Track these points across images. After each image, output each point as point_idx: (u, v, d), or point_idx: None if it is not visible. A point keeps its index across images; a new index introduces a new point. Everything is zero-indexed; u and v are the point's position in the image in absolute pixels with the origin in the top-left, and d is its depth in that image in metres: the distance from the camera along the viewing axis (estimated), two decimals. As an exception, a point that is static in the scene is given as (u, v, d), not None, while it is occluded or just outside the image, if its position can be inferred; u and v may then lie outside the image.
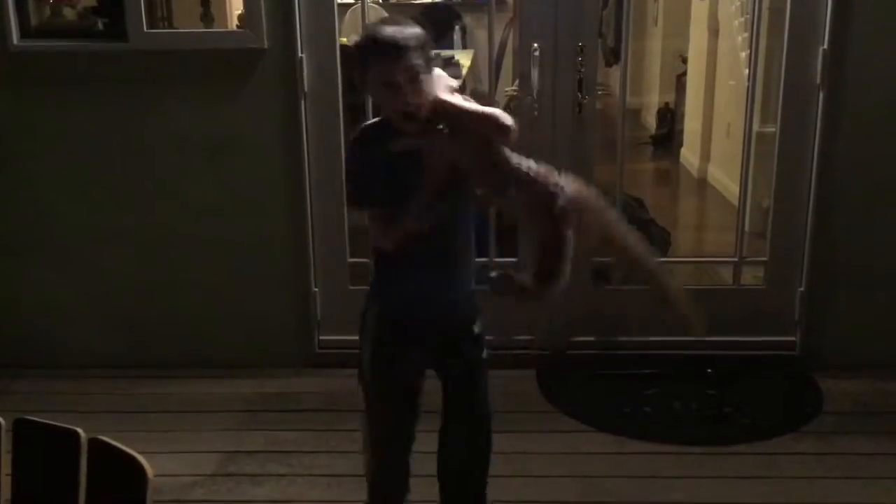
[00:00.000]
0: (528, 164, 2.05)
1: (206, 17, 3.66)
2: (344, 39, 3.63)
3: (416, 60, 2.03)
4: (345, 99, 3.41)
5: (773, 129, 3.48)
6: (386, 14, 6.66)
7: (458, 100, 2.08)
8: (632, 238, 2.27)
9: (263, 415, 3.27)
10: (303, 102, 3.34)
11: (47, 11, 3.50)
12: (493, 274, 2.13)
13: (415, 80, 2.03)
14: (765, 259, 3.57)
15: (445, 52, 5.67)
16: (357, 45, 2.16)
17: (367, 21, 3.58)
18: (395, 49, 2.03)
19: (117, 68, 3.34)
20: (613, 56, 5.71)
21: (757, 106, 3.73)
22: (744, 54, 4.77)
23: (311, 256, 3.48)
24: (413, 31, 2.09)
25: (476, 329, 2.31)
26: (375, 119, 2.23)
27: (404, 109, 2.04)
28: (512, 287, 2.08)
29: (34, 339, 3.57)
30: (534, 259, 2.08)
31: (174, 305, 3.55)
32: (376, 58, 2.06)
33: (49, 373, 3.50)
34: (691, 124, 6.16)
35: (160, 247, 3.49)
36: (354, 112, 3.68)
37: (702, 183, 5.79)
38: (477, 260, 2.33)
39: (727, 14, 5.55)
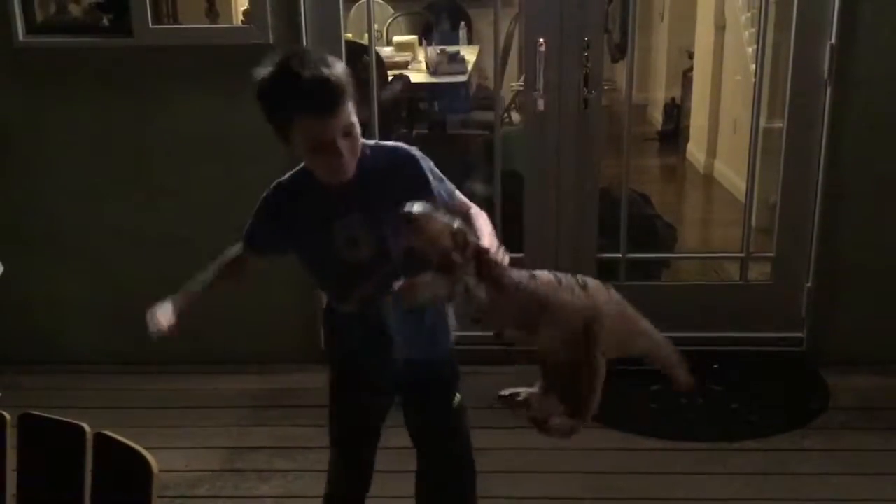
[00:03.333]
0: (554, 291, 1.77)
1: (212, 13, 3.67)
2: (349, 35, 3.62)
3: (352, 112, 1.72)
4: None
5: (780, 125, 3.47)
6: (391, 11, 6.67)
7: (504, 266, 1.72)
8: (655, 337, 2.01)
9: (269, 411, 3.27)
10: (308, 98, 3.33)
11: (52, 7, 3.51)
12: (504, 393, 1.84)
13: (350, 135, 1.74)
14: (772, 255, 3.56)
15: (451, 48, 5.67)
16: (270, 88, 1.74)
17: (373, 17, 3.58)
18: (326, 97, 1.67)
19: (122, 64, 3.34)
20: (619, 51, 5.70)
21: (764, 101, 3.72)
22: (750, 49, 4.75)
23: (317, 252, 3.47)
24: (339, 66, 1.73)
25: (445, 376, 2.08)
26: (293, 172, 1.93)
27: (340, 179, 1.77)
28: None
29: (40, 334, 3.58)
30: (560, 390, 1.83)
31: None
32: (300, 114, 1.70)
33: (54, 368, 3.51)
34: (698, 120, 6.15)
35: (165, 242, 3.49)
36: (359, 107, 3.68)
37: (708, 178, 5.78)
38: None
39: (734, 9, 5.54)
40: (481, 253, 1.64)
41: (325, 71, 1.70)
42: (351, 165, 1.79)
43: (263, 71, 1.78)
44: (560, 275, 1.79)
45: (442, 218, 1.63)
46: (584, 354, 1.76)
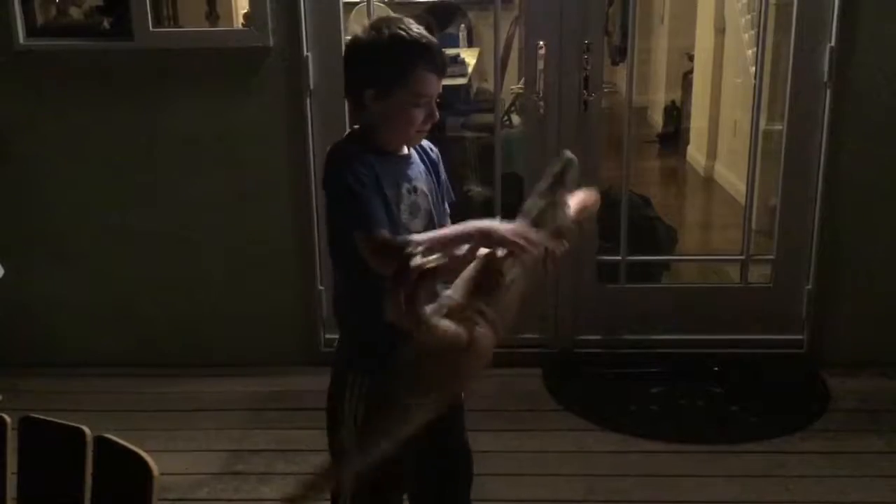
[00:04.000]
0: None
1: (212, 16, 3.67)
2: (350, 38, 3.63)
3: None
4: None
5: (780, 127, 3.47)
6: (392, 13, 6.66)
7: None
8: None
9: (269, 413, 3.27)
10: (308, 101, 3.34)
11: (53, 10, 3.51)
12: None
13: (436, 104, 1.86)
14: (772, 257, 3.56)
15: (451, 51, 5.67)
16: (395, 39, 1.81)
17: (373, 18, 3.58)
18: (444, 57, 1.83)
19: (123, 67, 3.35)
20: (619, 54, 5.71)
21: (764, 104, 3.72)
22: (750, 52, 4.75)
23: (317, 254, 3.48)
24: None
25: None
26: (349, 140, 1.91)
27: (414, 142, 1.88)
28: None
29: (40, 337, 3.58)
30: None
31: (180, 304, 3.55)
32: (422, 67, 1.80)
33: (55, 371, 3.50)
34: (698, 122, 6.15)
35: (165, 245, 3.50)
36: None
37: (708, 181, 5.78)
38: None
39: (733, 12, 5.54)
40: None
41: (430, 37, 1.85)
42: (425, 133, 1.90)
43: (365, 30, 1.86)
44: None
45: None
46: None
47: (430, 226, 1.90)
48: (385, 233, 1.77)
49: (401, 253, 1.58)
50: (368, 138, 1.88)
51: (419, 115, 1.83)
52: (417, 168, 1.93)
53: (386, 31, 1.83)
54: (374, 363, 1.79)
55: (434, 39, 1.85)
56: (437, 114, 1.86)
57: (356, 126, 1.95)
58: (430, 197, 1.93)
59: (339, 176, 1.81)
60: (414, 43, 1.81)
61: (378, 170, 1.83)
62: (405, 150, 1.93)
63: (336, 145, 1.91)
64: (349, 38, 1.93)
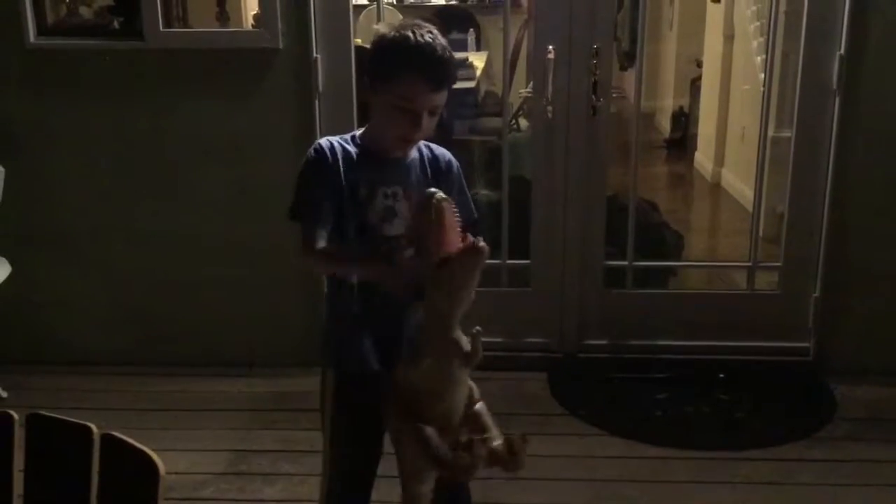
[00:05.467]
0: None
1: (222, 17, 3.67)
2: (359, 41, 3.63)
3: (444, 98, 1.81)
4: (359, 99, 3.41)
5: (788, 134, 3.46)
6: (401, 17, 6.68)
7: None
8: None
9: (275, 414, 3.27)
10: (317, 102, 3.35)
11: (63, 10, 3.52)
12: None
13: (433, 115, 1.83)
14: (779, 264, 3.55)
15: (459, 55, 5.67)
16: (398, 39, 1.80)
17: (382, 21, 3.58)
18: (444, 72, 1.79)
19: (132, 67, 3.35)
20: (628, 59, 5.70)
21: (772, 111, 3.71)
22: (759, 59, 4.75)
23: (324, 256, 3.48)
24: (452, 53, 1.84)
25: None
26: (342, 137, 1.92)
27: (401, 149, 1.86)
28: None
29: (47, 335, 3.59)
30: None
31: (187, 303, 3.56)
32: (413, 74, 1.77)
33: (62, 369, 3.51)
34: (705, 128, 6.14)
35: (173, 245, 3.50)
36: (367, 112, 3.68)
37: (715, 187, 5.77)
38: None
39: (742, 18, 5.53)
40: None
41: (448, 53, 1.81)
42: (417, 141, 1.89)
43: (390, 27, 1.87)
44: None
45: (454, 215, 1.67)
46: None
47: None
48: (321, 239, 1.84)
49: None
50: (365, 135, 1.91)
51: (402, 121, 1.81)
52: (410, 175, 1.91)
53: (399, 32, 1.83)
54: (332, 355, 1.93)
55: (443, 53, 1.80)
56: (422, 126, 1.81)
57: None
58: (407, 204, 1.88)
59: (307, 163, 1.89)
60: (412, 48, 1.78)
61: (354, 163, 1.85)
62: (401, 155, 1.91)
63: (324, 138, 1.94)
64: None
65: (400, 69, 1.79)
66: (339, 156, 1.87)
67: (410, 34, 1.81)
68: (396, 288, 1.79)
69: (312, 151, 1.89)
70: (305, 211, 1.89)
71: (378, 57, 1.84)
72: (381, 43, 1.84)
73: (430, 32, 1.82)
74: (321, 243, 1.85)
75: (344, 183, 1.86)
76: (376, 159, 1.89)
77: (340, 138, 1.91)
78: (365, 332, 1.92)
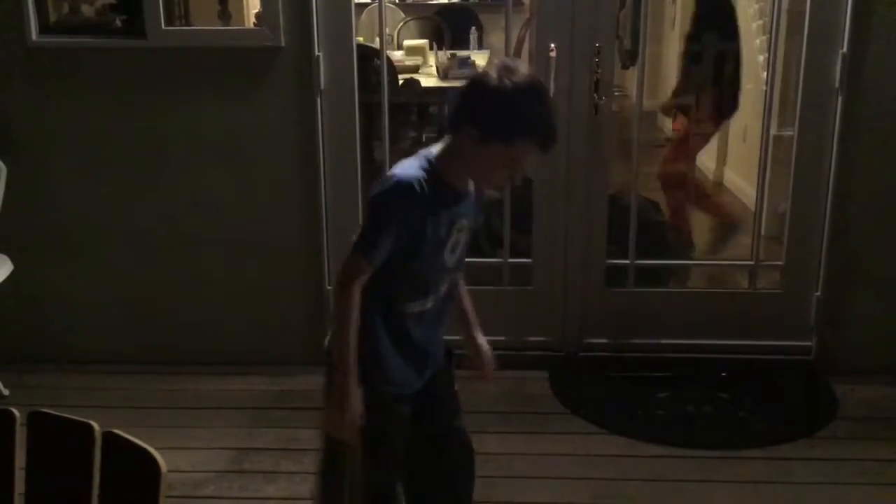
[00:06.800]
0: None
1: (224, 15, 3.68)
2: (361, 39, 3.63)
3: None
4: (360, 98, 3.41)
5: (791, 133, 3.46)
6: (402, 14, 6.68)
7: None
8: None
9: (276, 412, 3.28)
10: (319, 101, 3.34)
11: (66, 8, 3.52)
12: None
13: None
14: (781, 263, 3.55)
15: (462, 53, 5.67)
16: (517, 110, 1.81)
17: (384, 21, 3.59)
18: (553, 143, 1.86)
19: (134, 65, 3.35)
20: (630, 58, 5.69)
21: (775, 109, 3.71)
22: (762, 57, 4.74)
23: (325, 254, 3.48)
24: None
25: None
26: (423, 169, 1.88)
27: (501, 188, 2.00)
28: None
29: (48, 333, 3.59)
30: None
31: (187, 302, 3.56)
32: (535, 142, 1.83)
33: (62, 367, 3.52)
34: (707, 127, 6.13)
35: (174, 243, 3.50)
36: (369, 110, 3.69)
37: (717, 186, 5.76)
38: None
39: (745, 17, 5.52)
40: None
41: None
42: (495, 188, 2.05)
43: (501, 73, 1.83)
44: None
45: None
46: None
47: (462, 258, 1.98)
48: (364, 271, 1.86)
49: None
50: (441, 166, 1.89)
51: (502, 173, 1.88)
52: (470, 205, 1.97)
53: (522, 87, 1.81)
54: (364, 373, 1.93)
55: (554, 121, 1.85)
56: (518, 179, 1.92)
57: (436, 149, 1.93)
58: (469, 234, 1.99)
59: (386, 197, 1.86)
60: (537, 120, 1.82)
61: (433, 202, 1.86)
62: (468, 188, 1.95)
63: (409, 165, 1.90)
64: (480, 73, 1.94)
65: (523, 138, 1.82)
66: (422, 196, 1.85)
67: (538, 103, 1.83)
68: (334, 413, 1.90)
69: (397, 189, 1.86)
70: (365, 249, 1.88)
71: (501, 118, 1.82)
72: (504, 102, 1.81)
73: (547, 94, 1.89)
74: (357, 287, 1.86)
75: (422, 223, 1.87)
76: (450, 193, 1.91)
77: (421, 168, 1.88)
78: (411, 358, 2.00)
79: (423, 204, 1.85)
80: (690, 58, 4.22)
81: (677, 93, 4.34)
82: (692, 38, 4.20)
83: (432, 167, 1.88)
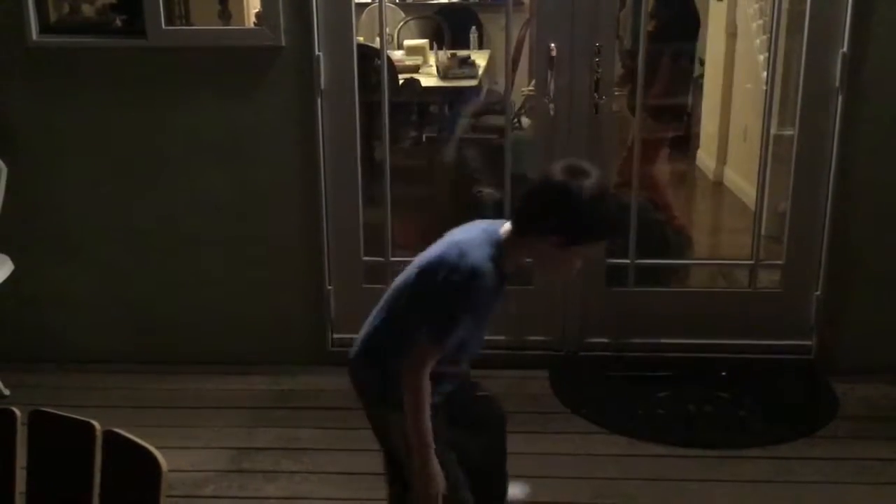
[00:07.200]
0: None
1: (224, 15, 3.68)
2: (361, 38, 3.63)
3: None
4: (360, 97, 3.41)
5: (791, 133, 3.46)
6: (403, 14, 6.68)
7: None
8: None
9: (276, 412, 3.28)
10: (319, 100, 3.34)
11: (66, 7, 3.52)
12: None
13: None
14: (781, 262, 3.55)
15: (462, 52, 5.67)
16: (604, 214, 1.96)
17: (384, 21, 3.59)
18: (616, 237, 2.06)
19: (135, 65, 3.35)
20: (630, 57, 5.69)
21: (775, 109, 3.71)
22: (762, 57, 4.74)
23: (326, 254, 3.49)
24: None
25: None
26: (493, 259, 1.98)
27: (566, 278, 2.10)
28: None
29: (49, 332, 3.59)
30: None
31: (189, 301, 3.56)
32: (611, 238, 2.11)
33: (62, 367, 3.52)
34: (708, 127, 6.13)
35: (174, 243, 3.50)
36: (369, 110, 3.69)
37: (717, 185, 5.76)
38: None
39: (745, 16, 5.53)
40: None
41: None
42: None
43: (585, 189, 1.92)
44: None
45: None
46: None
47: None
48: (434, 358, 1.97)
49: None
50: (508, 256, 1.99)
51: (571, 268, 2.01)
52: (505, 289, 2.09)
53: (598, 194, 1.92)
54: None
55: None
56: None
57: (502, 233, 2.02)
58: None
59: (464, 287, 1.93)
60: (615, 219, 2.07)
61: (497, 293, 1.99)
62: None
63: (479, 248, 1.97)
64: (555, 179, 1.96)
65: (599, 239, 2.03)
66: (493, 287, 1.97)
67: (612, 205, 2.02)
68: (422, 485, 2.00)
69: (473, 280, 1.94)
70: (440, 338, 1.98)
71: (588, 227, 1.94)
72: (589, 212, 1.92)
73: (609, 188, 2.04)
74: (428, 371, 1.96)
75: (486, 309, 2.02)
76: (507, 276, 2.03)
77: (491, 259, 1.96)
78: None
79: (493, 293, 1.96)
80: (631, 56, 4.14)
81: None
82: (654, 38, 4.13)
83: (500, 256, 1.97)
